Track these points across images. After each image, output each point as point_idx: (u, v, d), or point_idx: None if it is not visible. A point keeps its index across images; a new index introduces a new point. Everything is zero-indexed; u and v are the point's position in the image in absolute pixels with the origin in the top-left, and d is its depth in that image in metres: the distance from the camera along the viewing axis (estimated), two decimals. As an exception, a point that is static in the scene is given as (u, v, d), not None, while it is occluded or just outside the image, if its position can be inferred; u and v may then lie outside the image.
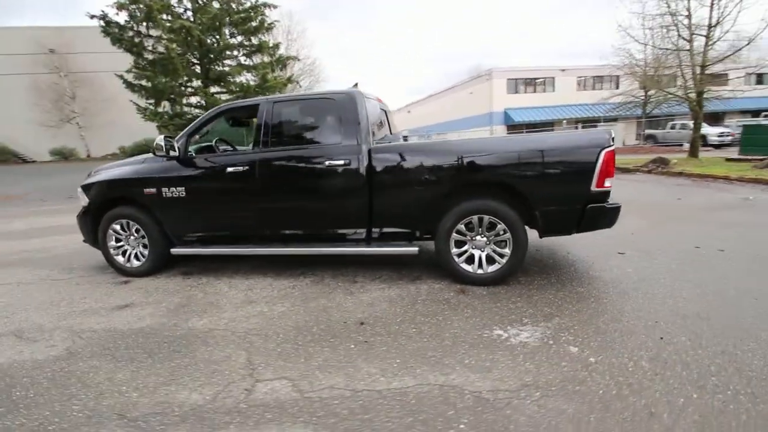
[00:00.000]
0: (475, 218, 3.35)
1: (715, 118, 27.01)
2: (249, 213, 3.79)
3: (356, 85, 3.81)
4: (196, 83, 17.55)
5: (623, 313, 2.83)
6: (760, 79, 28.81)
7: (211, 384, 2.23)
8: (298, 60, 20.52)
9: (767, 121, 16.83)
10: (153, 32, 15.85)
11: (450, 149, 3.42)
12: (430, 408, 1.93)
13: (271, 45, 18.29)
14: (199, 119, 3.94)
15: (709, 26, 13.26)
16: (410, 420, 1.86)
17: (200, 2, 16.25)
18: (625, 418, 1.81)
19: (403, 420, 1.86)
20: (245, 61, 18.36)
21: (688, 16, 13.49)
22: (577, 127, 28.67)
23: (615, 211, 3.24)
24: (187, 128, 3.95)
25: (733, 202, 6.72)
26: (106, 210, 4.13)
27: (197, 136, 4.02)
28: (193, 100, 18.15)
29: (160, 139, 3.62)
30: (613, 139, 3.17)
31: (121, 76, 15.99)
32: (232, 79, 17.62)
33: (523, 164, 3.24)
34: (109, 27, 15.52)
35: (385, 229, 3.61)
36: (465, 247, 3.45)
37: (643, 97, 24.31)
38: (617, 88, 26.40)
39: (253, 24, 17.85)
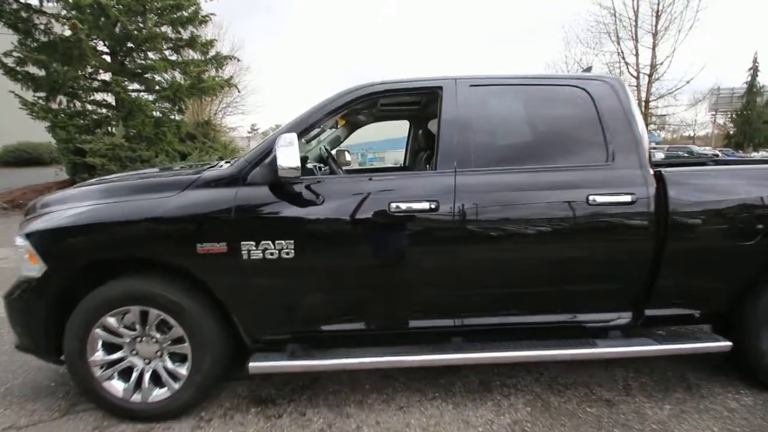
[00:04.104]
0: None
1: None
2: (426, 285, 2.02)
3: (590, 68, 2.34)
4: (105, 76, 13.89)
5: None
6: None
7: None
8: (239, 60, 17.72)
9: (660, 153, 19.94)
10: (49, 7, 12.13)
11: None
12: None
13: (204, 41, 15.43)
14: (312, 109, 2.03)
15: (652, 65, 14.59)
16: None
17: (117, -23, 12.96)
18: None
19: None
20: (171, 55, 15.19)
21: (636, 55, 14.72)
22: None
23: None
24: (288, 123, 2.02)
25: None
26: (89, 285, 1.95)
27: (303, 140, 2.11)
28: (99, 97, 14.31)
29: (288, 142, 1.64)
30: None
31: (-5, 59, 11.83)
32: (156, 76, 14.35)
33: None
34: (-20, -8, 11.44)
35: (659, 312, 2.15)
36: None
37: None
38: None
39: (185, 14, 14.94)
